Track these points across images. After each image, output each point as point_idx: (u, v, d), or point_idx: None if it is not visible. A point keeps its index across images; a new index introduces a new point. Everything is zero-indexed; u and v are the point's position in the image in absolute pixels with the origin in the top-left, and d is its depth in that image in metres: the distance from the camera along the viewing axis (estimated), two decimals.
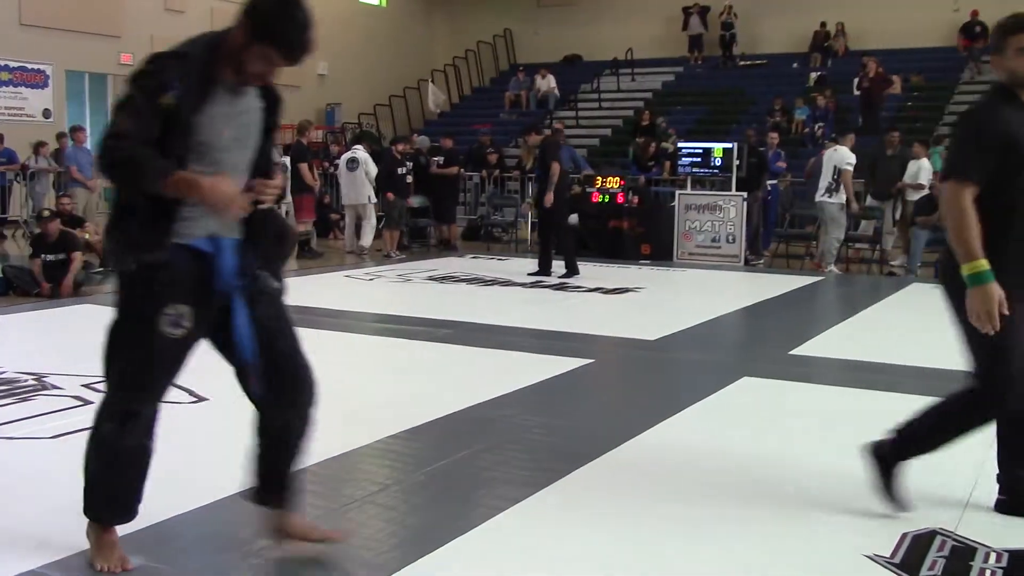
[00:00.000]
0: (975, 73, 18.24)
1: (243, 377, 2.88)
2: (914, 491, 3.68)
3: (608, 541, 3.20)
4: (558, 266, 10.43)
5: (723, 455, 4.18)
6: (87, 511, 2.90)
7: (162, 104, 2.56)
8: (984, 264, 3.06)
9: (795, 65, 20.46)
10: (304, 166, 12.30)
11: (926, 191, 11.45)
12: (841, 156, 11.42)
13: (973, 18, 18.54)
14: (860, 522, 3.38)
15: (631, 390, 5.90)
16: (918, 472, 3.93)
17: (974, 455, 4.19)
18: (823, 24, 20.25)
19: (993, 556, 3.09)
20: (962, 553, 3.12)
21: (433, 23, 24.33)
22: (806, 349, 6.68)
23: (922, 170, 11.78)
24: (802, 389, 5.54)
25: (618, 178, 13.14)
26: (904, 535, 3.23)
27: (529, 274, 10.44)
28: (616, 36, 21.56)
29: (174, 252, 2.68)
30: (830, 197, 11.40)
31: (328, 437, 4.28)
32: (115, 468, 2.84)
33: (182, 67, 2.61)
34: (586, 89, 21.66)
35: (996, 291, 3.05)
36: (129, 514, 2.93)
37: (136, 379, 2.77)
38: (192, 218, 2.69)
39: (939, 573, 2.97)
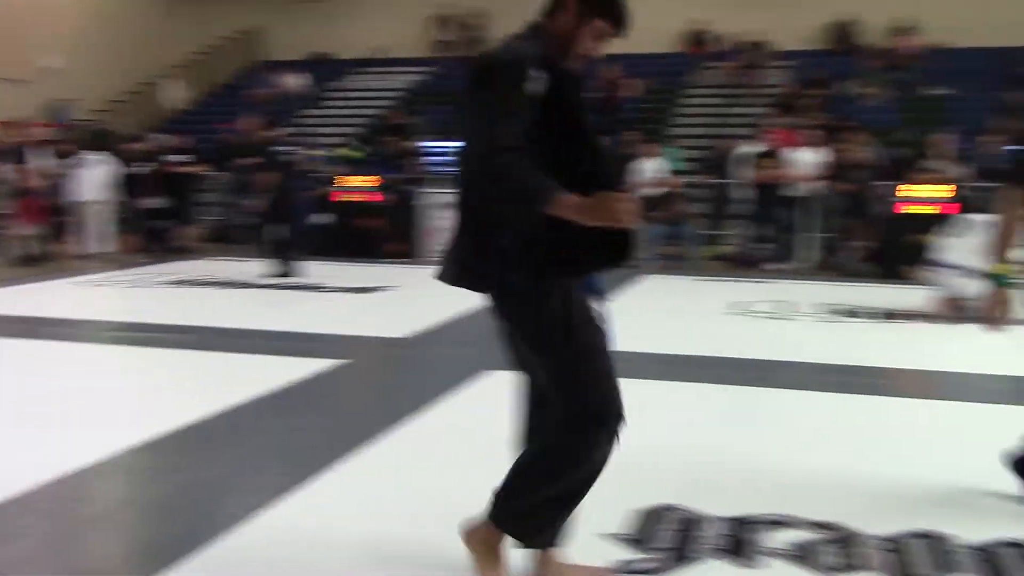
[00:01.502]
0: (700, 78, 19.53)
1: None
2: (645, 466, 3.91)
3: (358, 542, 3.19)
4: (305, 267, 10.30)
5: (468, 446, 4.27)
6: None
7: (527, 93, 2.47)
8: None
9: None
10: (26, 167, 11.46)
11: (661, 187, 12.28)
12: None
13: (698, 25, 19.85)
14: (591, 501, 3.53)
15: (383, 387, 5.91)
16: (644, 449, 4.19)
17: (702, 433, 4.52)
18: None
19: (716, 524, 3.34)
20: (690, 523, 3.35)
21: (175, 16, 23.24)
22: None
23: (651, 169, 12.59)
24: None
25: (367, 177, 13.13)
26: (639, 511, 3.43)
27: (270, 276, 10.21)
28: (368, 34, 21.44)
29: None
30: None
31: (60, 454, 4.06)
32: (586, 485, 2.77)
33: (533, 56, 2.52)
34: (335, 87, 21.44)
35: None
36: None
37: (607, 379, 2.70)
38: None
39: (668, 544, 3.17)
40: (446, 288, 2.81)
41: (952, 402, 5.39)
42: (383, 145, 15.82)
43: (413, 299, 9.23)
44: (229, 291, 9.45)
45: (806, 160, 11.93)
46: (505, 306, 2.68)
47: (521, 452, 2.81)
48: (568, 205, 2.41)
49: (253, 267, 10.53)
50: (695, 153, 15.57)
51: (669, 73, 20.11)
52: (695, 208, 13.26)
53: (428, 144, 13.90)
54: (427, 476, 3.90)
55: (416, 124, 17.51)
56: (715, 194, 13.55)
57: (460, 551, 2.85)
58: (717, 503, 3.51)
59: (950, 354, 6.76)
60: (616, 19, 2.72)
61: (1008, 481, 3.62)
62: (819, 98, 16.83)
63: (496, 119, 2.44)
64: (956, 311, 7.80)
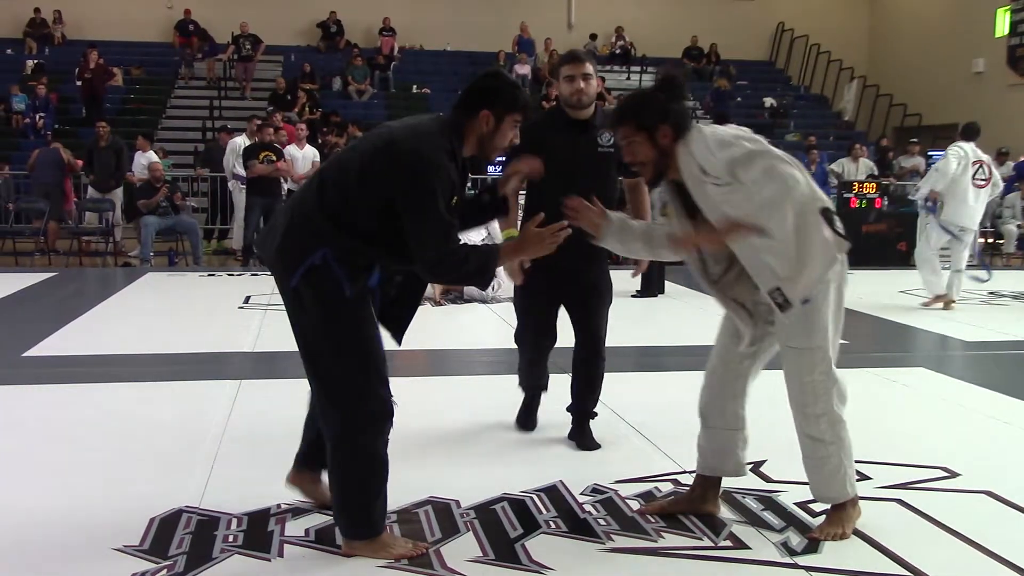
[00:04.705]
0: (191, 69, 19.03)
1: None
2: (158, 473, 3.76)
3: None
4: None
5: None
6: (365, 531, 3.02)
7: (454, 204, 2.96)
8: None
9: (9, 51, 19.23)
10: None
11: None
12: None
13: (187, 17, 19.31)
14: (109, 515, 3.35)
15: None
16: (145, 457, 4.03)
17: (216, 432, 4.44)
18: (37, 11, 19.35)
19: (235, 521, 3.30)
20: (206, 525, 3.28)
21: None
22: (43, 349, 6.39)
23: (151, 162, 12.10)
24: (43, 391, 5.27)
25: None
26: (152, 520, 3.28)
27: None
28: None
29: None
30: None
31: None
32: (380, 473, 3.01)
33: (448, 154, 2.95)
34: None
35: None
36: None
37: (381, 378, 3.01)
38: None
39: (187, 549, 3.07)
40: None
41: (456, 377, 5.89)
42: None
43: None
44: None
45: (304, 155, 12.12)
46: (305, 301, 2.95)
47: (328, 471, 3.05)
48: (506, 254, 3.07)
49: None
50: (190, 146, 15.23)
51: (159, 63, 19.44)
52: (195, 202, 12.95)
53: None
54: None
55: None
56: (214, 188, 13.34)
57: None
58: (233, 503, 3.45)
59: (447, 334, 7.34)
60: (525, 107, 3.11)
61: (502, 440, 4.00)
62: (312, 93, 17.26)
63: (439, 217, 2.86)
64: (444, 295, 8.52)
